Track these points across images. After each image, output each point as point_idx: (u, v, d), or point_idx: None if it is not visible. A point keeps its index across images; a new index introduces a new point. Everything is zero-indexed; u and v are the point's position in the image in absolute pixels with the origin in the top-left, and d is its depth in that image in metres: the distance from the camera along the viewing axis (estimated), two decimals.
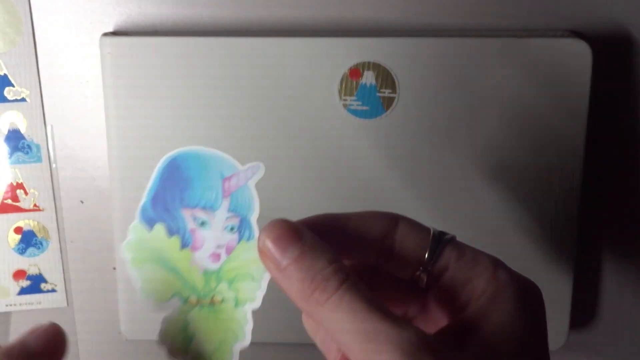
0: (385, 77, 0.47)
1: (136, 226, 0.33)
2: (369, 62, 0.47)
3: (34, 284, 0.54)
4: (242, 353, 0.37)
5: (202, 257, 0.33)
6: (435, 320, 0.33)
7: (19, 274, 0.54)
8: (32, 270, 0.54)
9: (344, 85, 0.47)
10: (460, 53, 0.47)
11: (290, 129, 0.48)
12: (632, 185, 0.53)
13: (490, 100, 0.48)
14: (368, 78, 0.47)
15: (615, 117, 0.51)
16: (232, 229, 0.33)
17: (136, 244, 0.33)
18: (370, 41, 0.47)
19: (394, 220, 0.33)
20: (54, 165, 0.53)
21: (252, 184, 0.33)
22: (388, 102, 0.48)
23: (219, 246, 0.33)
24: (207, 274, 0.33)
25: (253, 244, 0.33)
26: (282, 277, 0.31)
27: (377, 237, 0.32)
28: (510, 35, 0.47)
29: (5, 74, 0.51)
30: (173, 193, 0.33)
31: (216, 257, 0.33)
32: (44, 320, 0.46)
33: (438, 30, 0.50)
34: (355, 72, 0.47)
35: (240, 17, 0.50)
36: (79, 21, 0.51)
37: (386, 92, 0.48)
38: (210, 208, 0.33)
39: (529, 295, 0.32)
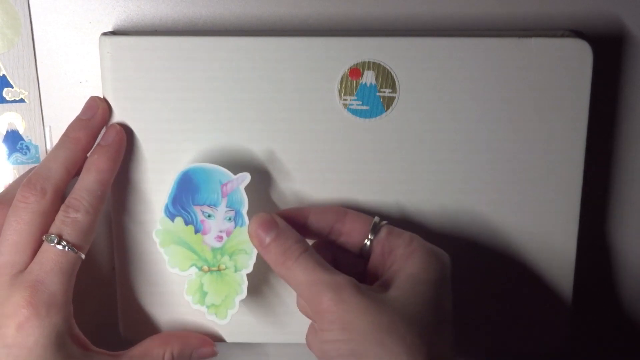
0: (385, 77, 0.47)
1: (162, 219, 0.47)
2: (369, 62, 0.47)
3: None
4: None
5: (210, 238, 0.47)
6: (372, 281, 0.45)
7: None
8: None
9: (344, 85, 0.47)
10: (460, 53, 0.47)
11: (290, 128, 0.48)
12: (632, 185, 0.53)
13: (490, 100, 0.48)
14: (368, 78, 0.47)
15: (615, 117, 0.51)
16: (229, 219, 0.47)
17: (163, 232, 0.47)
18: (370, 41, 0.47)
19: (343, 212, 0.47)
20: None
21: (242, 187, 0.47)
22: (388, 102, 0.48)
23: (221, 231, 0.47)
24: (214, 250, 0.47)
25: (245, 229, 0.47)
26: (265, 252, 0.45)
27: (329, 223, 0.47)
28: (510, 35, 0.47)
29: (3, 75, 0.51)
30: (187, 195, 0.47)
31: (220, 238, 0.47)
32: None
33: (438, 30, 0.50)
34: (355, 72, 0.47)
35: (240, 17, 0.50)
36: (78, 21, 0.50)
37: (386, 92, 0.48)
38: (213, 205, 0.47)
39: (435, 257, 0.44)
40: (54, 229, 0.45)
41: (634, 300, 0.56)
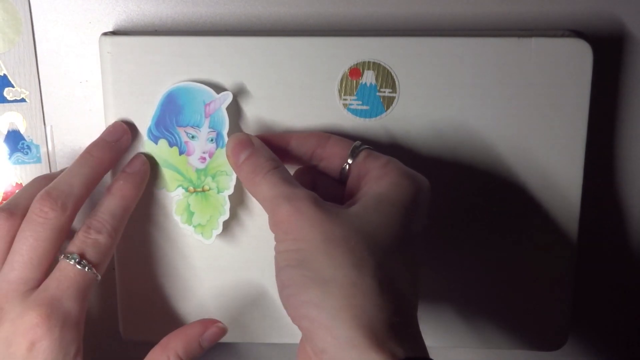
0: (385, 77, 0.47)
1: (146, 142, 0.48)
2: (369, 62, 0.47)
3: None
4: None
5: (194, 159, 0.48)
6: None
7: None
8: None
9: (344, 85, 0.47)
10: (460, 53, 0.47)
11: (291, 128, 0.48)
12: (632, 185, 0.53)
13: (491, 100, 0.48)
14: (368, 78, 0.47)
15: (615, 117, 0.51)
16: (212, 140, 0.47)
17: (147, 155, 0.48)
18: (370, 41, 0.47)
19: (325, 137, 0.46)
20: (53, 166, 0.53)
21: (223, 107, 0.47)
22: (388, 102, 0.48)
23: (204, 152, 0.48)
24: (198, 171, 0.48)
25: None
26: (239, 171, 0.45)
27: (311, 148, 0.46)
28: (510, 35, 0.47)
29: (4, 75, 0.51)
30: (170, 117, 0.47)
31: (203, 159, 0.48)
32: None
33: (438, 30, 0.50)
34: (355, 71, 0.47)
35: (240, 17, 0.50)
36: (78, 21, 0.50)
37: (386, 92, 0.48)
38: (197, 126, 0.47)
39: (409, 179, 0.43)
40: (74, 247, 0.45)
41: (635, 299, 0.56)
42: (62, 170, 0.48)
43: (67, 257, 0.44)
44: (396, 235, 0.41)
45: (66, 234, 0.45)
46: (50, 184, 0.45)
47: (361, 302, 0.38)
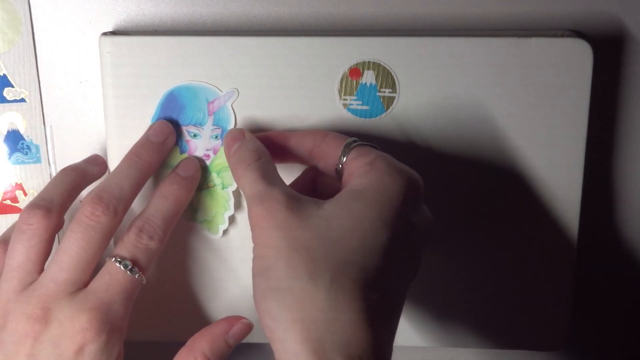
0: (385, 77, 0.47)
1: None
2: (369, 62, 0.47)
3: None
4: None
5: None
6: None
7: None
8: None
9: (344, 85, 0.47)
10: (460, 53, 0.47)
11: (290, 128, 0.48)
12: (632, 185, 0.53)
13: (491, 100, 0.48)
14: (368, 78, 0.47)
15: (615, 117, 0.51)
16: (216, 137, 0.48)
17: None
18: (370, 41, 0.47)
19: (323, 134, 0.45)
20: (53, 166, 0.53)
21: (229, 104, 0.47)
22: (388, 102, 0.48)
23: (207, 149, 0.48)
24: (202, 168, 0.48)
25: None
26: (229, 162, 0.45)
27: (309, 146, 0.45)
28: (510, 35, 0.47)
29: (4, 75, 0.51)
30: (171, 116, 0.48)
31: (207, 157, 0.48)
32: None
33: (438, 30, 0.50)
34: (355, 71, 0.47)
35: (240, 16, 0.50)
36: (78, 21, 0.50)
37: (386, 92, 0.48)
38: (199, 124, 0.48)
39: (393, 176, 0.41)
40: (126, 252, 0.44)
41: (633, 300, 0.56)
42: (85, 160, 0.50)
43: (119, 262, 0.44)
44: (368, 241, 0.39)
45: (112, 236, 0.45)
46: (100, 187, 0.45)
47: (313, 316, 0.37)
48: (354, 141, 0.44)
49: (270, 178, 0.42)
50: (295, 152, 0.46)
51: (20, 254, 0.45)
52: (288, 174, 0.46)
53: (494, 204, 0.49)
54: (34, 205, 0.45)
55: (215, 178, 0.48)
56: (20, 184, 0.53)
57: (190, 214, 0.49)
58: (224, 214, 0.49)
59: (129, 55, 0.47)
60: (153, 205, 0.46)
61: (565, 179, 0.49)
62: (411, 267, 0.42)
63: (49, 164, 0.53)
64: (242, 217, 0.49)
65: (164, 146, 0.47)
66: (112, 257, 0.44)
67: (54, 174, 0.53)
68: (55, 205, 0.46)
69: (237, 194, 0.49)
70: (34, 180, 0.53)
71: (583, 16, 0.50)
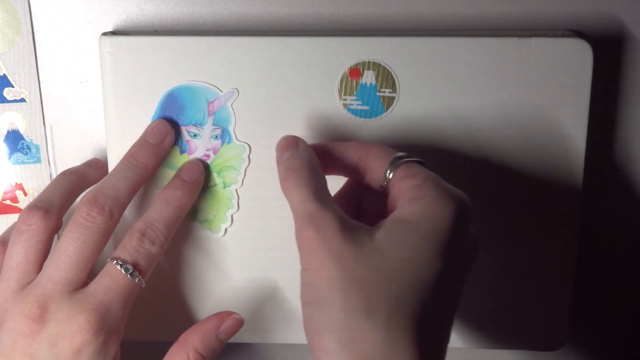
0: (385, 77, 0.47)
1: None
2: (369, 62, 0.47)
3: None
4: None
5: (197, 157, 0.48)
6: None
7: None
8: None
9: (344, 85, 0.47)
10: (460, 53, 0.47)
11: (290, 128, 0.48)
12: (632, 185, 0.53)
13: (491, 100, 0.48)
14: (368, 78, 0.47)
15: (616, 117, 0.51)
16: (216, 137, 0.48)
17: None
18: (370, 41, 0.47)
19: (368, 147, 0.44)
20: (53, 166, 0.53)
21: (229, 104, 0.47)
22: (388, 102, 0.48)
23: (207, 149, 0.48)
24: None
25: (232, 145, 0.48)
26: (279, 169, 0.43)
27: (353, 159, 0.44)
28: (510, 35, 0.47)
29: (4, 75, 0.51)
30: (171, 116, 0.47)
31: (207, 157, 0.48)
32: None
33: (438, 30, 0.50)
34: (355, 71, 0.47)
35: (240, 17, 0.50)
36: (78, 21, 0.50)
37: (386, 92, 0.48)
38: (199, 124, 0.48)
39: (442, 202, 0.39)
40: (127, 256, 0.45)
41: (633, 300, 0.56)
42: (85, 164, 0.50)
43: (120, 265, 0.44)
44: (422, 275, 0.38)
45: (109, 237, 0.45)
46: (96, 188, 0.45)
47: (373, 355, 0.36)
48: (400, 157, 0.42)
49: (323, 197, 0.40)
50: (340, 164, 0.44)
51: (19, 254, 0.45)
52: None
53: (494, 203, 0.49)
54: (33, 207, 0.46)
55: (215, 178, 0.48)
56: (20, 184, 0.53)
57: (191, 214, 0.49)
58: (227, 212, 0.49)
59: (129, 55, 0.47)
60: (156, 210, 0.46)
61: (565, 179, 0.49)
62: (459, 294, 0.41)
63: (49, 164, 0.53)
64: (240, 217, 0.49)
65: (161, 147, 0.47)
66: (114, 259, 0.44)
67: (54, 174, 0.53)
68: (54, 206, 0.46)
69: (240, 192, 0.49)
70: (34, 180, 0.53)
71: (583, 16, 0.50)
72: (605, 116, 0.51)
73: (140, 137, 0.47)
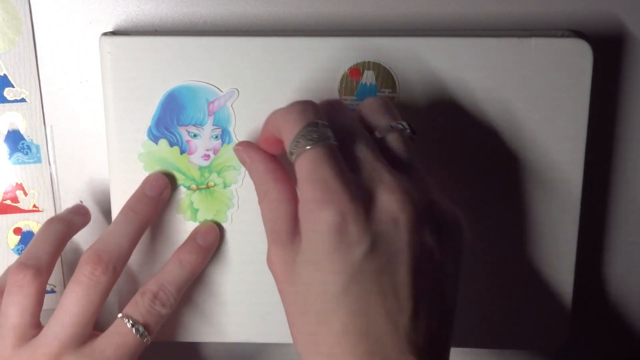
0: (385, 77, 0.47)
1: (145, 142, 0.48)
2: (369, 62, 0.47)
3: None
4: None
5: (197, 158, 0.48)
6: None
7: None
8: None
9: (344, 85, 0.47)
10: (460, 53, 0.47)
11: None
12: (632, 185, 0.53)
13: (491, 100, 0.48)
14: (368, 78, 0.47)
15: (616, 117, 0.51)
16: (216, 137, 0.48)
17: (146, 155, 0.48)
18: (370, 41, 0.47)
19: (287, 108, 0.41)
20: (53, 166, 0.53)
21: (229, 104, 0.47)
22: None
23: (207, 149, 0.48)
24: (201, 169, 0.48)
25: (232, 145, 0.47)
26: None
27: (272, 134, 0.42)
28: (510, 35, 0.47)
29: (4, 75, 0.51)
30: (171, 116, 0.47)
31: (207, 157, 0.48)
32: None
33: (438, 30, 0.50)
34: (355, 71, 0.47)
35: (240, 17, 0.50)
36: (78, 21, 0.50)
37: (386, 92, 0.48)
38: (199, 124, 0.48)
39: (324, 210, 0.37)
40: (139, 317, 0.46)
41: (635, 299, 0.56)
42: (69, 211, 0.50)
43: (131, 324, 0.45)
44: (342, 299, 0.38)
45: (111, 290, 0.46)
46: (99, 245, 0.46)
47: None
48: (308, 133, 0.38)
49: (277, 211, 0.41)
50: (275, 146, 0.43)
51: (15, 316, 0.45)
52: None
53: (494, 203, 0.49)
54: (23, 266, 0.45)
55: (215, 178, 0.48)
56: (21, 184, 0.53)
57: (191, 214, 0.49)
58: (227, 212, 0.49)
59: (129, 55, 0.47)
60: (169, 272, 0.47)
61: (565, 179, 0.49)
62: (454, 285, 0.41)
63: (49, 164, 0.53)
64: (240, 216, 0.49)
65: (160, 199, 0.48)
66: (125, 317, 0.45)
67: (54, 174, 0.53)
68: (44, 263, 0.46)
69: (240, 191, 0.49)
70: (34, 180, 0.53)
71: (583, 16, 0.49)
72: (605, 116, 0.51)
73: (139, 189, 0.48)
